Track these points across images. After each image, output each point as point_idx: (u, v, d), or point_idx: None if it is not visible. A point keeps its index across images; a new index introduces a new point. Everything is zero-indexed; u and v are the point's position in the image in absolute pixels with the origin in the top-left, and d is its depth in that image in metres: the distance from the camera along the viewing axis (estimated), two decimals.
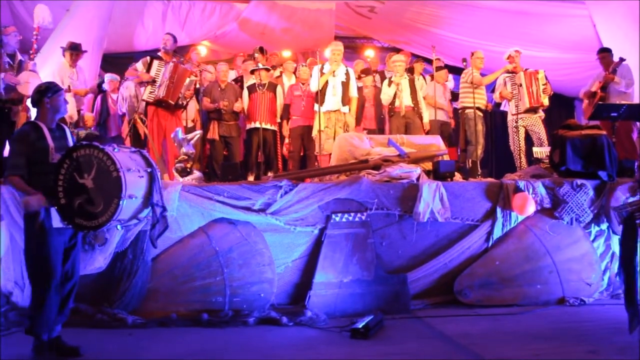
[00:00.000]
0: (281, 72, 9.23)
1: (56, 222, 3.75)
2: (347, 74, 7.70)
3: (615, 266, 5.80)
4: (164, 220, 4.02)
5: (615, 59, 7.93)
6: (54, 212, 3.74)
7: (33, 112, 6.44)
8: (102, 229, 3.85)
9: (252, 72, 8.34)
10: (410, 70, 8.93)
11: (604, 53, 8.03)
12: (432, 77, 9.02)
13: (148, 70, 7.12)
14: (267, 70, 8.40)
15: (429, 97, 8.65)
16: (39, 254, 3.79)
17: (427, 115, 8.37)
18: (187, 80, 7.30)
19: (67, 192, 3.68)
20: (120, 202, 3.57)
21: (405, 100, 8.03)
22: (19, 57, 6.51)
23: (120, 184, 3.56)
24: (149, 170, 3.89)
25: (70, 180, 3.68)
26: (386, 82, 8.26)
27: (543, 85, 7.79)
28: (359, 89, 8.48)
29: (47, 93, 3.92)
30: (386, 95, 8.13)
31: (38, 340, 3.86)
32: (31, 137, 3.80)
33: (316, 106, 7.56)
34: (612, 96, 7.77)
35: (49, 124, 3.92)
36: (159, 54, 7.36)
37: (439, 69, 8.96)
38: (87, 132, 7.54)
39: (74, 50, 7.38)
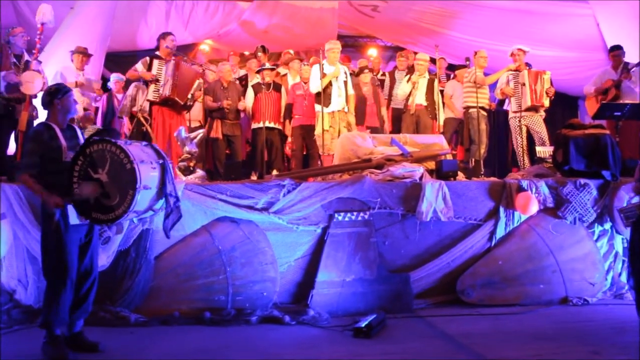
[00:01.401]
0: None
1: (73, 219, 3.81)
2: (345, 72, 7.75)
3: (619, 266, 5.81)
4: (177, 210, 4.02)
5: None
6: (70, 209, 3.80)
7: (40, 112, 6.53)
8: (120, 222, 3.86)
9: (258, 72, 8.34)
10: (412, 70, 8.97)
11: (618, 51, 8.00)
12: (455, 76, 9.08)
13: (149, 70, 7.13)
14: (272, 70, 8.40)
15: (446, 96, 8.73)
16: (56, 251, 3.84)
17: (443, 117, 8.41)
18: (196, 82, 7.30)
19: None
20: (136, 194, 3.61)
21: (418, 99, 8.11)
22: (26, 57, 6.54)
23: (135, 175, 3.61)
24: (160, 162, 3.93)
25: (85, 176, 3.73)
26: (405, 78, 8.41)
27: (547, 86, 7.77)
28: (359, 87, 8.49)
29: (57, 94, 4.01)
30: (401, 90, 8.28)
31: (51, 336, 3.89)
32: (45, 136, 3.88)
33: (317, 106, 7.55)
34: (625, 95, 7.73)
35: (60, 125, 4.00)
36: (157, 53, 7.34)
37: (459, 67, 9.01)
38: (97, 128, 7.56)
39: (82, 54, 7.42)
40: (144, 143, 4.04)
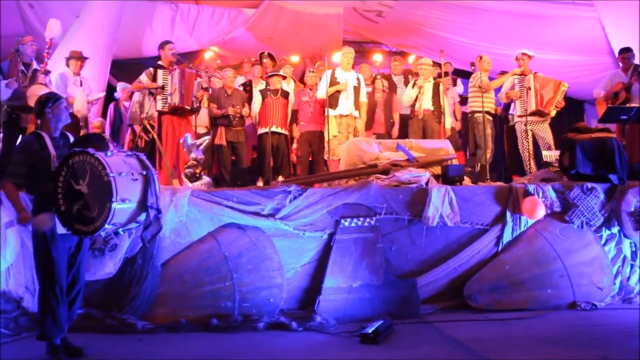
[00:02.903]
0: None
1: (60, 228, 3.82)
2: (357, 79, 7.76)
3: (627, 270, 5.78)
4: (157, 222, 4.00)
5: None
6: (56, 219, 3.81)
7: None
8: (99, 234, 3.86)
9: (269, 77, 8.34)
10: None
11: (628, 53, 7.96)
12: None
13: (154, 81, 7.15)
14: (284, 77, 8.39)
15: None
16: (45, 260, 3.89)
17: (450, 121, 8.39)
18: (195, 83, 7.34)
19: (66, 199, 3.76)
20: (112, 206, 3.60)
21: (425, 104, 8.10)
22: (35, 66, 6.56)
23: (111, 188, 3.60)
24: (144, 172, 3.90)
25: (68, 186, 3.75)
26: (410, 83, 8.42)
27: (561, 98, 7.74)
28: (370, 94, 8.51)
29: (47, 103, 4.06)
30: (407, 96, 8.27)
31: (51, 345, 3.93)
32: (34, 147, 3.94)
33: (326, 111, 7.56)
34: (635, 98, 7.68)
35: (52, 133, 4.05)
36: (160, 62, 7.36)
37: (444, 75, 9.01)
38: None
39: (78, 59, 7.34)
40: (127, 153, 4.02)
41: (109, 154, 3.80)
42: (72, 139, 4.20)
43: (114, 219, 3.66)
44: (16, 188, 3.94)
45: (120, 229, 3.94)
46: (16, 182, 3.93)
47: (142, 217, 3.91)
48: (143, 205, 3.86)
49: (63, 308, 3.91)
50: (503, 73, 8.67)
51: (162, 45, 7.41)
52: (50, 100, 4.08)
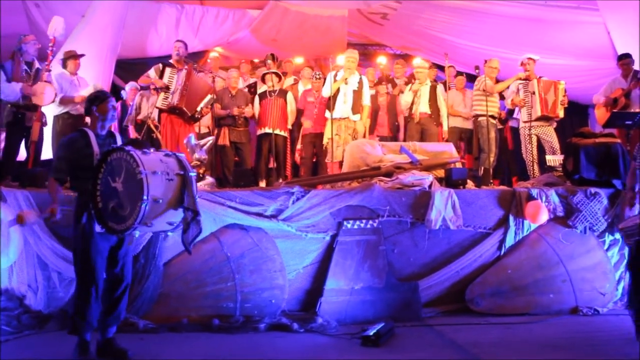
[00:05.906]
0: (296, 80, 9.24)
1: (99, 227, 3.81)
2: (360, 82, 7.68)
3: None
4: (196, 224, 3.84)
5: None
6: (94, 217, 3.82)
7: (49, 121, 6.60)
8: (132, 232, 3.78)
9: (263, 76, 8.35)
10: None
11: (627, 59, 7.93)
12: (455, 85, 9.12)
13: (161, 77, 7.12)
14: (277, 75, 8.35)
15: (447, 106, 8.76)
16: (83, 257, 3.89)
17: (447, 123, 8.38)
18: (208, 97, 7.26)
19: (103, 196, 3.74)
20: (142, 205, 3.54)
21: (422, 107, 8.09)
22: (37, 65, 6.52)
23: (143, 186, 3.54)
24: (181, 173, 3.79)
25: (106, 184, 3.73)
26: (407, 87, 8.40)
27: (562, 96, 7.72)
28: (374, 97, 8.49)
29: (95, 102, 4.10)
30: (404, 101, 8.29)
31: (80, 340, 3.95)
32: (78, 144, 3.96)
33: (327, 113, 7.55)
34: (635, 104, 7.67)
35: (98, 131, 4.07)
36: (171, 61, 7.36)
37: (458, 75, 9.02)
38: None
39: (73, 57, 7.23)
40: (167, 153, 3.93)
41: (146, 152, 3.75)
42: (119, 138, 4.20)
43: (145, 218, 3.58)
44: (58, 183, 3.97)
45: (152, 231, 3.91)
46: (57, 177, 3.96)
47: (178, 218, 3.81)
48: (178, 206, 3.76)
49: (95, 306, 3.90)
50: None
51: (174, 43, 7.46)
52: (98, 99, 4.11)
